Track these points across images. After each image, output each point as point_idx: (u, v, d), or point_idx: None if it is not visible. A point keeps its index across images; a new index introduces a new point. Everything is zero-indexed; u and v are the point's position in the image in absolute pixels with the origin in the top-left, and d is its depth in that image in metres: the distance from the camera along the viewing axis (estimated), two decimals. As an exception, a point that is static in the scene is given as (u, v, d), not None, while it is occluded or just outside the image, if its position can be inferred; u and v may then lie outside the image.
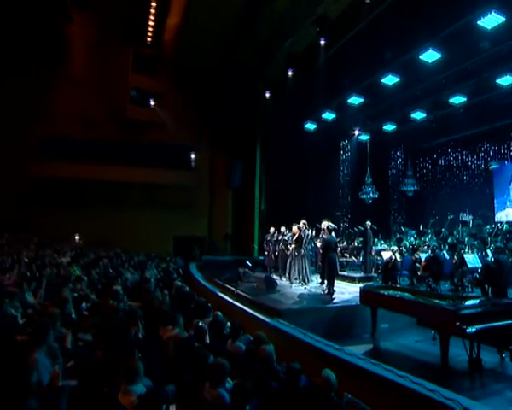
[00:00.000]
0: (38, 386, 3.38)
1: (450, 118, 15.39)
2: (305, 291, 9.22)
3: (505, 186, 15.28)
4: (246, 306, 8.05)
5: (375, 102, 14.53)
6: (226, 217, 20.43)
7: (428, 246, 10.46)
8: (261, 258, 16.07)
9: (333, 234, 9.20)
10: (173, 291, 8.58)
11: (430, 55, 11.09)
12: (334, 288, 8.79)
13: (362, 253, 11.83)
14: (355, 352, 5.12)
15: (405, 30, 10.89)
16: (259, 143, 19.26)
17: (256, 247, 18.35)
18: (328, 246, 8.92)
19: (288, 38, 12.59)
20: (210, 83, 18.25)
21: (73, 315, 6.15)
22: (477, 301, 6.23)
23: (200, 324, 5.45)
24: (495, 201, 15.68)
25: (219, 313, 6.45)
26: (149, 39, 19.62)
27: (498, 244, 9.44)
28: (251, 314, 7.42)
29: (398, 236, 15.43)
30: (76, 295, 7.38)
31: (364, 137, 18.44)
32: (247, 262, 13.63)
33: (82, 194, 18.31)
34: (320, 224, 12.89)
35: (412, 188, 17.66)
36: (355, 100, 14.47)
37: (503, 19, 9.21)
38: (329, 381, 3.68)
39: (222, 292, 9.70)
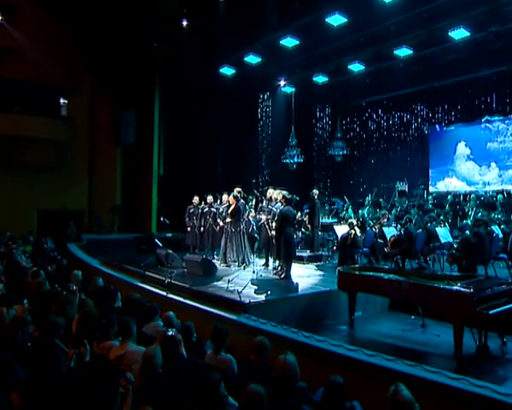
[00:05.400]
0: None
1: (388, 73, 16.12)
2: (257, 276, 8.75)
3: (446, 154, 16.76)
4: (190, 300, 7.24)
5: (312, 46, 14.35)
6: (113, 183, 18.56)
7: (389, 219, 10.83)
8: (169, 235, 15.21)
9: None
10: (75, 287, 7.28)
11: (387, -6, 11.19)
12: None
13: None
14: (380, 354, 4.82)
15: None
16: (159, 87, 17.76)
17: (158, 221, 17.22)
18: (286, 220, 8.53)
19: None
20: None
21: None
22: (477, 280, 6.45)
23: (171, 332, 4.55)
24: (431, 170, 17.13)
25: (171, 313, 5.59)
26: None
27: (479, 216, 10.21)
28: (204, 311, 6.66)
29: (330, 207, 15.85)
30: None
31: (289, 90, 18.35)
32: (157, 241, 12.66)
33: None
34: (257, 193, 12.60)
35: (341, 152, 18.29)
36: (289, 42, 14.05)
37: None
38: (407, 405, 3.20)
39: (144, 283, 8.68)
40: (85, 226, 18.24)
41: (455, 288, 5.70)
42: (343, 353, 4.96)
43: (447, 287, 5.79)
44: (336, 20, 12.57)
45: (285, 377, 3.82)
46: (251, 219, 11.24)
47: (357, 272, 7.03)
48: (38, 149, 17.08)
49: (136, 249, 14.62)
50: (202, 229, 11.11)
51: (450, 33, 12.74)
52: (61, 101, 18.67)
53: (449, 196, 13.72)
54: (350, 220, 10.10)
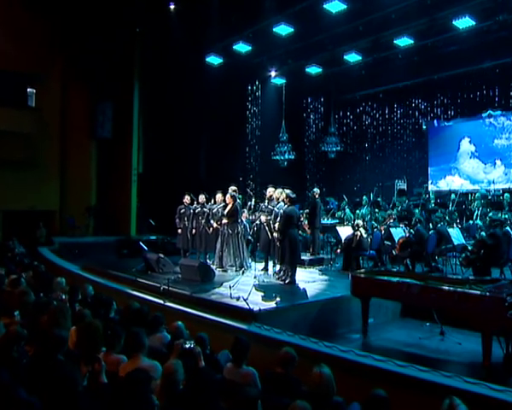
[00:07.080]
0: None
1: (385, 65, 16.28)
2: (259, 281, 8.64)
3: (448, 151, 16.97)
4: (192, 308, 7.10)
5: (307, 34, 14.36)
6: (88, 182, 18.16)
7: (395, 219, 10.87)
8: (153, 237, 15.00)
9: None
10: (64, 296, 7.08)
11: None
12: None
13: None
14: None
15: None
16: (139, 77, 17.48)
17: (138, 223, 16.98)
18: (290, 220, 8.45)
19: None
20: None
21: None
22: (500, 284, 6.49)
23: (188, 344, 4.42)
24: (431, 168, 17.33)
25: (180, 324, 5.46)
26: None
27: (493, 216, 10.33)
28: (211, 320, 6.54)
29: (325, 207, 15.83)
30: None
31: (279, 81, 18.32)
32: (142, 245, 12.50)
33: None
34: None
35: (335, 148, 18.36)
36: (283, 29, 14.01)
37: None
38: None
39: (135, 290, 8.49)
40: (56, 228, 17.79)
41: (484, 292, 5.71)
42: (372, 364, 4.92)
43: (475, 292, 5.78)
44: (335, 6, 12.60)
45: (321, 392, 3.76)
46: (244, 220, 11.15)
47: (372, 277, 7.01)
48: (3, 143, 16.52)
49: (117, 253, 14.37)
50: (194, 231, 10.93)
51: (454, 22, 12.90)
52: (29, 90, 18.16)
53: (452, 195, 13.89)
54: (356, 221, 10.12)
